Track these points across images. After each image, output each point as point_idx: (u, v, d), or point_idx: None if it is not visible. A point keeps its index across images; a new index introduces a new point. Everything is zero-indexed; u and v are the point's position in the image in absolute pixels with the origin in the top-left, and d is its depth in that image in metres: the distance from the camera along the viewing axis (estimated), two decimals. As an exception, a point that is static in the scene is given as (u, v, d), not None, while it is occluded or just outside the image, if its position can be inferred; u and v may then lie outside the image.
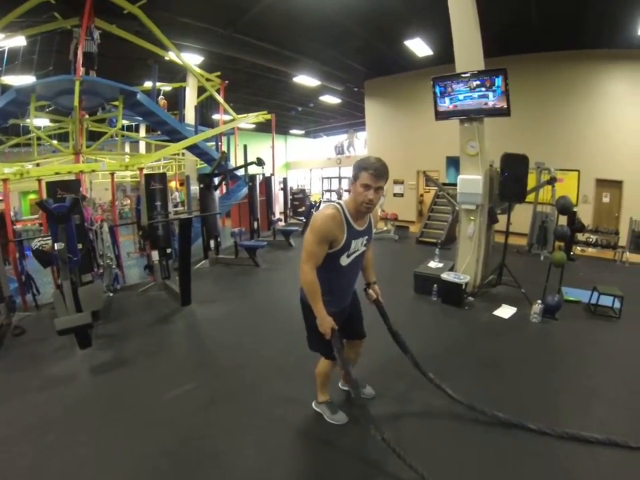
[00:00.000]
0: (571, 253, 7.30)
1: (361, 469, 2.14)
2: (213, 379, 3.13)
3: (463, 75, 4.66)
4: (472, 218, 5.00)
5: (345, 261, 2.08)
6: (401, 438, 2.25)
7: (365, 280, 2.48)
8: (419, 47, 8.66)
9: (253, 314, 4.67)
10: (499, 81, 4.40)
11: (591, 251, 7.71)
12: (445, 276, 4.78)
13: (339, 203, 2.06)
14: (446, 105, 4.90)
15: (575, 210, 7.50)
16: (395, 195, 12.59)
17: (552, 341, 3.87)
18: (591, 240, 7.68)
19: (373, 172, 1.91)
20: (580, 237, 7.66)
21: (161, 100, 9.48)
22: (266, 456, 2.23)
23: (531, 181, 6.92)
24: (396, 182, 12.63)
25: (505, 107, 4.48)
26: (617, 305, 4.38)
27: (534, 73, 9.14)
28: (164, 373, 3.24)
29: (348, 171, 19.91)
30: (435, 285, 4.94)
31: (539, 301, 4.30)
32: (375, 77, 12.12)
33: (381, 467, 2.13)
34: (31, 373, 3.25)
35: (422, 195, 13.27)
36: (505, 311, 4.56)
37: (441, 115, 5.03)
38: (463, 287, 4.69)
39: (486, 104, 4.59)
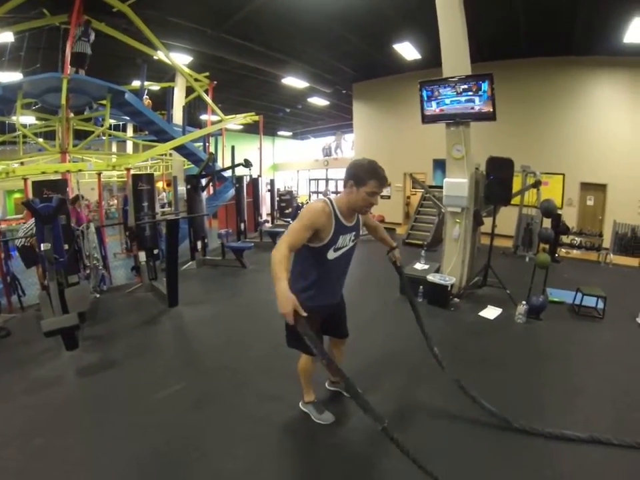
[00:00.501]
0: (556, 255, 7.46)
1: (348, 468, 2.16)
2: (200, 380, 3.13)
3: (450, 80, 4.74)
4: (457, 220, 5.07)
5: (331, 255, 2.11)
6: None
7: (387, 245, 2.63)
8: (407, 50, 8.76)
9: (240, 315, 4.67)
10: (485, 86, 4.48)
11: (575, 252, 7.88)
12: (431, 277, 4.84)
13: (329, 199, 2.10)
14: (432, 108, 4.98)
15: (559, 213, 7.69)
16: (382, 197, 12.54)
17: (536, 341, 3.95)
18: (575, 242, 7.86)
19: (382, 181, 2.02)
20: (565, 239, 7.82)
21: (146, 100, 9.43)
22: (254, 456, 2.25)
23: (517, 184, 7.05)
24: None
25: (491, 111, 4.56)
26: (601, 305, 4.49)
27: (521, 78, 9.33)
28: (151, 374, 3.22)
29: (335, 173, 20.08)
30: (421, 287, 4.98)
31: (524, 302, 4.37)
32: (364, 80, 12.21)
33: (369, 466, 2.16)
34: (17, 375, 3.20)
35: (409, 197, 13.40)
36: (491, 312, 4.63)
37: (427, 119, 5.11)
38: (449, 288, 4.75)
39: (472, 108, 4.67)
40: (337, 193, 19.74)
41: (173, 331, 4.35)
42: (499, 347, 3.81)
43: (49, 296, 3.66)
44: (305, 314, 1.65)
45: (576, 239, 7.88)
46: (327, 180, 20.88)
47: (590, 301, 4.56)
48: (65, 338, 3.40)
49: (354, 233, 2.20)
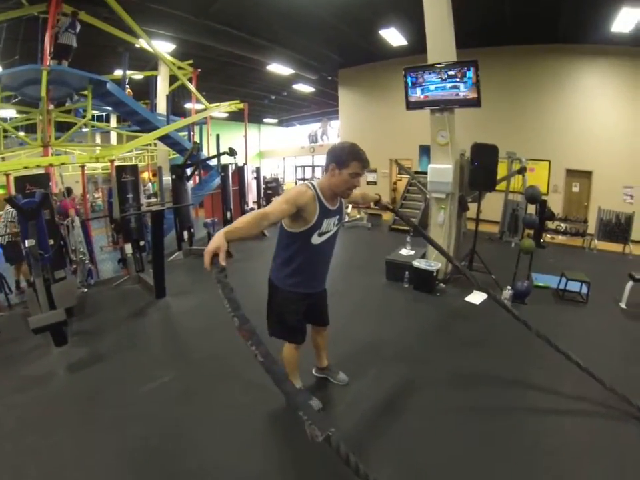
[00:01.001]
0: (541, 241, 7.58)
1: (332, 455, 2.20)
2: (188, 370, 3.16)
3: (435, 66, 4.73)
4: (442, 206, 5.12)
5: (316, 240, 2.13)
6: (373, 415, 2.37)
7: (373, 200, 2.87)
8: (393, 36, 8.69)
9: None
10: (470, 73, 4.49)
11: (561, 238, 8.00)
12: (416, 263, 4.89)
13: (311, 183, 2.12)
14: (417, 95, 4.98)
15: (545, 199, 7.79)
16: (368, 182, 12.63)
17: (519, 324, 4.00)
18: (560, 228, 7.98)
19: (364, 163, 2.06)
20: (550, 225, 7.94)
21: (126, 89, 9.29)
22: (240, 445, 2.29)
23: (503, 170, 7.11)
24: (369, 170, 12.71)
25: (476, 97, 4.58)
26: (585, 290, 4.57)
27: (507, 65, 9.32)
28: (140, 367, 3.24)
29: (321, 160, 19.89)
30: (407, 272, 5.03)
31: (509, 287, 4.45)
32: (350, 66, 12.09)
33: (355, 450, 2.20)
34: (7, 374, 3.18)
35: (395, 183, 13.41)
36: (476, 297, 4.68)
37: (412, 105, 5.11)
38: (434, 273, 4.80)
39: (457, 95, 4.68)
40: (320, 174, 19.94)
41: (161, 322, 4.36)
42: (484, 330, 3.89)
43: (35, 292, 3.63)
44: (224, 263, 1.52)
45: (561, 225, 8.00)
46: (313, 166, 20.79)
47: (574, 286, 4.63)
48: (54, 334, 3.38)
49: (337, 217, 2.23)
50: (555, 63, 8.87)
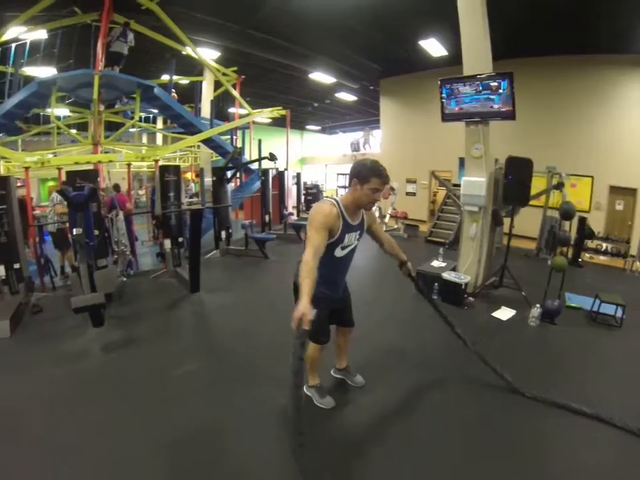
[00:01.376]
0: (579, 260, 7.30)
1: (338, 451, 2.28)
2: (215, 362, 3.34)
3: (470, 78, 4.73)
4: (475, 220, 5.07)
5: (339, 253, 2.27)
6: (381, 419, 2.43)
7: (398, 260, 2.71)
8: (433, 47, 8.68)
9: (258, 303, 4.85)
10: (504, 85, 4.45)
11: (601, 258, 7.64)
12: (446, 275, 4.86)
13: (335, 199, 2.24)
14: (452, 106, 4.98)
15: (584, 216, 7.51)
16: (407, 193, 12.61)
17: (546, 344, 3.90)
18: (600, 247, 7.64)
19: (384, 178, 2.17)
20: (590, 244, 7.62)
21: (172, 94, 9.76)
22: (255, 434, 2.40)
23: (542, 185, 6.95)
24: (409, 181, 12.67)
25: (511, 110, 4.53)
26: (620, 313, 4.31)
27: (549, 76, 9.07)
28: (169, 354, 3.45)
29: None
30: (436, 284, 5.00)
31: (538, 305, 4.31)
32: (391, 76, 12.14)
33: (360, 453, 2.27)
34: (47, 348, 3.49)
35: (435, 194, 13.28)
36: (504, 313, 4.60)
37: (447, 117, 5.12)
38: (463, 286, 4.75)
39: (491, 107, 4.65)
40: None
41: (193, 315, 4.58)
42: (506, 347, 3.79)
43: (79, 276, 3.93)
44: (307, 328, 1.69)
45: (602, 244, 7.65)
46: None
47: (608, 309, 4.37)
48: (92, 315, 3.65)
49: (359, 232, 2.35)
50: (599, 74, 8.55)
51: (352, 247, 2.35)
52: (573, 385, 3.09)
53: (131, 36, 6.95)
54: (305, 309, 1.68)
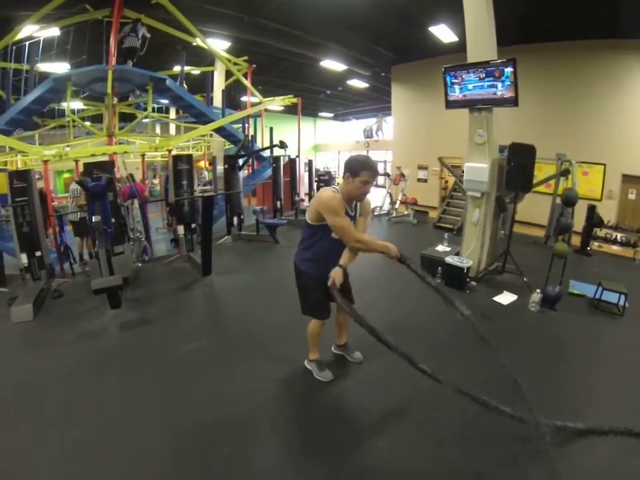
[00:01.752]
0: (588, 248, 7.28)
1: (334, 419, 2.48)
2: (223, 339, 3.58)
3: (474, 65, 4.76)
4: (478, 205, 5.14)
5: (335, 234, 2.42)
6: (377, 394, 2.62)
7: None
8: (444, 33, 8.59)
9: (267, 286, 5.05)
10: (508, 72, 4.47)
11: (614, 248, 7.53)
12: (449, 259, 4.95)
13: (335, 187, 2.45)
14: (456, 94, 5.03)
15: (594, 205, 7.46)
16: (419, 180, 12.60)
17: (543, 329, 3.97)
18: (610, 236, 7.58)
19: (373, 172, 2.38)
20: (599, 232, 7.55)
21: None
22: (258, 400, 2.64)
23: (553, 172, 6.91)
24: (420, 167, 12.64)
25: (513, 97, 4.54)
26: (622, 302, 4.29)
27: (561, 62, 8.90)
28: (181, 331, 3.71)
29: (376, 155, 20.06)
30: (439, 268, 5.10)
31: (538, 290, 4.36)
32: (402, 63, 12.06)
33: (354, 420, 2.47)
34: (68, 328, 3.79)
35: (447, 181, 13.23)
36: (505, 298, 4.67)
37: (450, 104, 5.17)
38: (465, 270, 4.84)
39: (494, 94, 4.67)
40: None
41: (204, 296, 4.84)
42: (504, 330, 3.85)
43: (99, 262, 4.18)
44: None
45: (612, 233, 7.59)
46: (368, 161, 20.87)
47: (612, 297, 4.34)
48: (110, 297, 3.91)
49: (352, 220, 2.52)
50: (614, 60, 8.31)
51: None
52: (574, 367, 3.20)
53: (143, 30, 7.10)
54: (394, 249, 2.32)
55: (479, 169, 4.95)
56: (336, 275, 2.35)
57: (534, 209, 8.52)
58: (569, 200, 4.62)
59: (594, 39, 8.30)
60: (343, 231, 2.30)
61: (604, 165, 8.73)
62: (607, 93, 8.57)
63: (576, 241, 7.41)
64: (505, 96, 4.60)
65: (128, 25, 6.98)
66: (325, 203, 2.33)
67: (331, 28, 8.71)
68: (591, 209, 7.30)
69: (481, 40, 4.72)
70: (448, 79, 5.00)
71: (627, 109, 8.38)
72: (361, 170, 2.34)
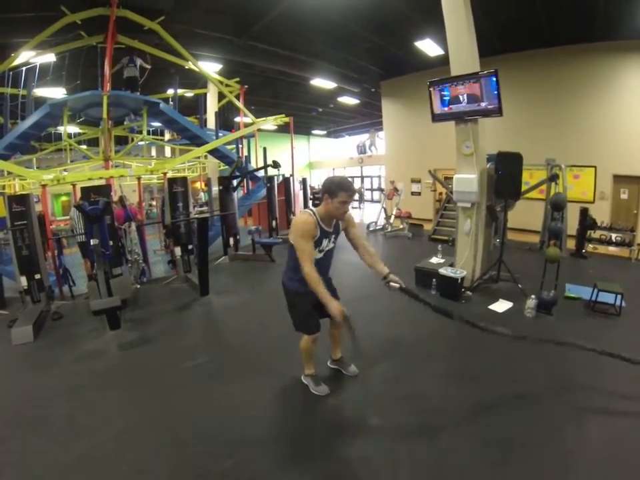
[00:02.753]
0: (583, 251, 7.34)
1: (329, 432, 2.51)
2: (222, 356, 3.62)
3: (457, 78, 4.89)
4: (468, 215, 5.21)
5: (317, 255, 2.55)
6: (373, 407, 2.67)
7: (380, 274, 2.66)
8: (429, 47, 8.82)
9: (264, 304, 5.08)
10: (491, 82, 4.58)
11: (611, 249, 7.57)
12: (443, 271, 5.00)
13: (311, 210, 2.54)
14: (442, 107, 5.15)
15: (585, 207, 7.55)
16: (412, 193, 12.68)
17: (538, 334, 3.93)
18: (604, 237, 7.65)
19: (350, 192, 2.45)
20: (593, 234, 7.61)
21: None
22: (257, 414, 2.69)
23: (544, 177, 7.00)
24: (413, 181, 12.74)
25: (497, 107, 4.66)
26: (619, 302, 4.32)
27: (546, 68, 9.12)
28: (180, 350, 3.75)
29: (370, 170, 20.69)
30: (434, 279, 5.16)
31: (533, 296, 4.39)
32: (390, 78, 12.32)
33: (349, 433, 2.49)
34: (68, 348, 3.83)
35: (440, 194, 13.34)
36: (501, 305, 4.69)
37: (437, 117, 5.29)
38: (459, 281, 4.89)
39: (479, 105, 4.78)
40: (371, 190, 20.10)
41: (202, 315, 4.87)
42: (499, 338, 3.89)
43: (97, 284, 4.24)
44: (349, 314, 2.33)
45: (606, 234, 7.66)
46: (362, 177, 21.15)
47: (608, 298, 4.38)
48: (109, 318, 3.97)
49: (334, 236, 2.64)
50: (597, 62, 8.51)
51: (328, 249, 2.63)
52: (565, 371, 3.23)
53: (139, 60, 7.34)
54: (338, 306, 2.30)
55: (467, 180, 5.03)
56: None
57: (528, 216, 8.61)
58: (557, 204, 4.71)
59: (572, 43, 8.56)
60: (301, 253, 2.39)
61: (594, 167, 8.87)
62: (593, 96, 8.76)
63: (571, 244, 7.49)
64: (489, 106, 4.70)
65: (125, 58, 7.23)
66: (295, 225, 2.46)
67: (318, 46, 8.98)
68: (584, 212, 7.39)
69: (463, 53, 4.85)
70: (434, 92, 5.12)
71: (614, 111, 8.56)
72: (338, 191, 2.42)
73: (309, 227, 2.42)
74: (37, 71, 7.50)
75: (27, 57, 7.10)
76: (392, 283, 2.58)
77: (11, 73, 7.33)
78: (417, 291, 5.16)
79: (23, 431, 2.57)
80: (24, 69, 7.37)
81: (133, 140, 8.32)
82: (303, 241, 2.40)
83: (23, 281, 4.71)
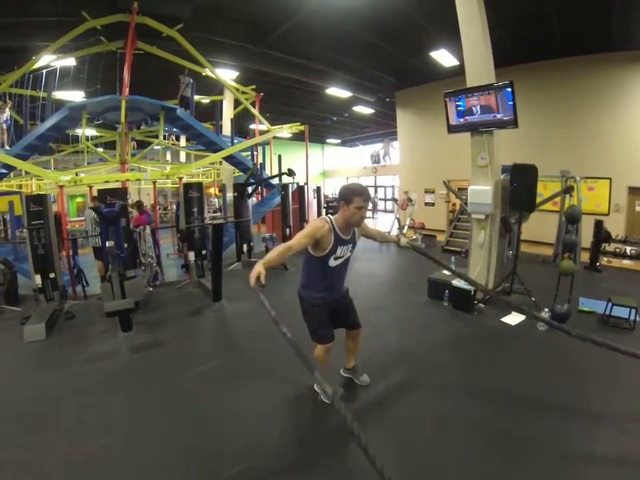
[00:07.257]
0: (597, 264, 7.22)
1: (340, 442, 2.46)
2: (231, 361, 3.63)
3: (473, 89, 4.91)
4: (483, 227, 5.18)
5: (332, 262, 2.57)
6: (383, 416, 2.65)
7: (394, 242, 3.08)
8: (445, 57, 8.84)
9: (276, 310, 5.07)
10: (507, 93, 4.58)
11: (626, 262, 7.48)
12: (456, 282, 4.95)
13: (329, 217, 2.56)
14: (457, 118, 5.15)
15: (600, 219, 7.44)
16: (426, 204, 12.60)
17: (551, 348, 3.90)
18: (619, 250, 7.53)
19: (365, 197, 2.46)
20: (608, 247, 7.50)
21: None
22: (266, 419, 2.70)
23: (558, 189, 6.92)
24: (427, 191, 12.67)
25: (512, 118, 4.66)
26: (634, 316, 4.22)
27: (560, 78, 9.04)
28: (191, 354, 3.77)
29: (384, 180, 20.78)
30: (447, 291, 5.12)
31: (546, 309, 4.35)
32: (405, 88, 12.34)
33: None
34: (79, 348, 3.89)
35: (454, 204, 13.26)
36: (513, 318, 4.61)
37: (452, 129, 5.29)
38: (472, 293, 4.84)
39: (494, 116, 4.78)
40: (385, 200, 20.08)
41: (214, 321, 4.91)
42: (513, 350, 3.86)
43: (111, 285, 4.30)
44: (264, 282, 2.19)
45: (620, 247, 7.54)
46: (375, 187, 21.13)
47: (622, 312, 4.28)
48: (122, 320, 4.02)
49: (351, 245, 2.64)
50: (613, 72, 8.41)
51: (345, 257, 2.64)
52: (580, 386, 3.19)
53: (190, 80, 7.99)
54: (260, 268, 2.17)
55: (482, 192, 5.02)
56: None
57: (542, 228, 8.52)
58: (573, 217, 4.66)
59: (587, 54, 8.48)
60: (293, 239, 2.42)
61: (609, 178, 8.73)
62: (609, 107, 8.64)
63: (585, 257, 7.38)
64: (505, 118, 4.70)
65: (187, 78, 8.00)
66: (308, 226, 2.51)
67: (333, 55, 9.05)
68: (598, 224, 7.28)
69: (478, 64, 4.87)
70: (449, 104, 5.13)
71: (628, 121, 8.45)
72: (353, 196, 2.44)
73: (315, 231, 2.44)
74: (57, 74, 7.72)
75: (47, 60, 7.28)
76: (402, 241, 3.03)
77: (31, 75, 7.52)
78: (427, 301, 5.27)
79: (32, 429, 2.61)
80: (44, 71, 7.57)
81: (149, 144, 8.46)
82: (304, 238, 2.41)
83: (38, 279, 4.79)
